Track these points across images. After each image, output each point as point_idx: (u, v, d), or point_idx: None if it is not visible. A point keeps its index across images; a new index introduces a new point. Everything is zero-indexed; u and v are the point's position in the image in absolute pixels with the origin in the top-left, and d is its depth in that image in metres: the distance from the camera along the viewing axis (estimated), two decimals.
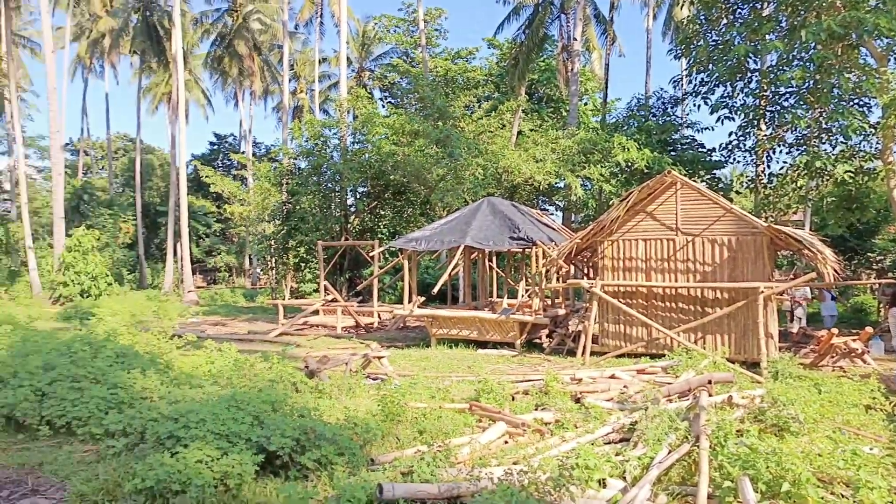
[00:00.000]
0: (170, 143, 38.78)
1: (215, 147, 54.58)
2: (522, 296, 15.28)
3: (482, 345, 13.34)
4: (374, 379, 9.28)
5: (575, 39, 25.75)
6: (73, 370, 6.66)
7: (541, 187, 23.86)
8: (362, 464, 4.98)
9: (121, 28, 39.29)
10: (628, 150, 20.61)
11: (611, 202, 19.79)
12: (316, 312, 18.15)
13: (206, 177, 27.17)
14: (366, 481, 4.29)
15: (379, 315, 18.35)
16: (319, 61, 43.94)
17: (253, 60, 43.12)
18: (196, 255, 43.92)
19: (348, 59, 37.44)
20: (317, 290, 22.67)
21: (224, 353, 8.58)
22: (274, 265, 28.28)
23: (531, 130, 26.79)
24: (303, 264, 26.00)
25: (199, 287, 37.44)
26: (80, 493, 4.37)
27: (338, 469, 4.72)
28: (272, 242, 26.59)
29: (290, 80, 42.04)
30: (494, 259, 18.40)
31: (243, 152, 47.06)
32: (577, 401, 7.16)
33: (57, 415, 6.12)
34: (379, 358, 9.81)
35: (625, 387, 7.75)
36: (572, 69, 25.86)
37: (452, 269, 16.00)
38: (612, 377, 8.68)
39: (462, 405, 6.94)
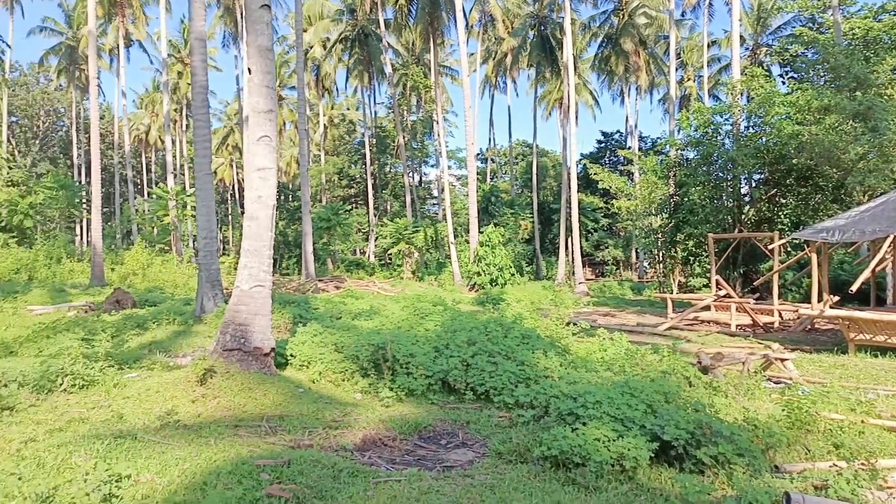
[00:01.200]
0: (561, 144, 41.65)
1: (602, 145, 56.44)
2: None
3: None
4: (775, 382, 8.49)
5: None
6: (489, 346, 7.77)
7: None
8: (764, 468, 4.65)
9: (520, 46, 43.76)
10: None
11: None
12: (707, 308, 17.31)
13: (594, 174, 28.33)
14: (770, 487, 4.01)
15: (780, 314, 16.55)
16: (708, 45, 41.70)
17: (639, 55, 43.27)
18: (585, 249, 46.16)
19: (741, 37, 34.56)
20: (707, 285, 21.58)
21: (615, 342, 8.90)
22: (661, 259, 27.93)
23: None
24: (691, 258, 25.06)
25: (588, 279, 39.33)
26: (498, 451, 5.11)
27: (737, 469, 4.50)
28: (659, 236, 26.30)
29: (676, 70, 40.87)
30: None
31: (629, 148, 47.62)
32: None
33: (478, 383, 7.22)
34: (782, 360, 8.92)
35: None
36: None
37: (876, 265, 13.49)
38: None
39: (894, 423, 5.87)
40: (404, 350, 7.53)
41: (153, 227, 40.10)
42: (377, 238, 43.64)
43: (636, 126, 49.39)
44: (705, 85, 42.78)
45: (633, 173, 40.31)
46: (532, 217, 44.64)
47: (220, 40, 49.41)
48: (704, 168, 22.61)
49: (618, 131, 56.30)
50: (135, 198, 52.69)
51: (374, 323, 10.77)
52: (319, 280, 25.20)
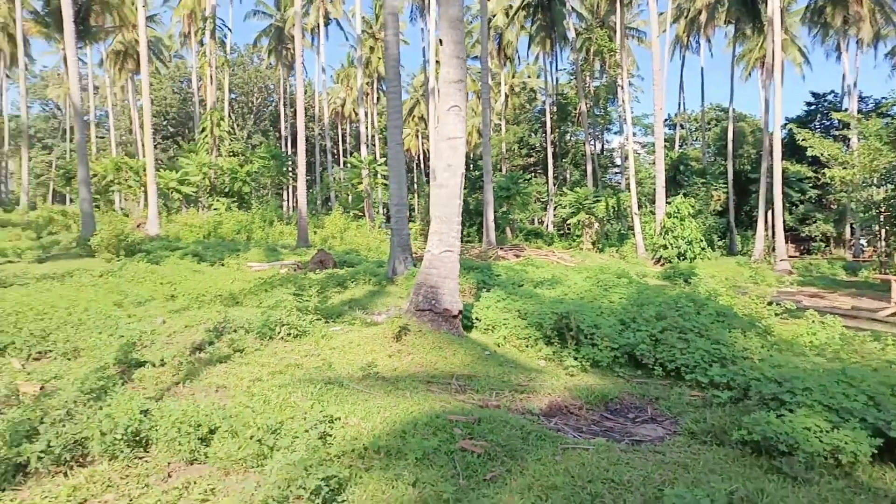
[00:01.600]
0: (762, 108, 37.81)
1: (812, 108, 50.33)
2: None
3: None
4: None
5: None
6: (680, 322, 7.41)
7: None
8: None
9: (716, 1, 40.20)
10: None
11: None
12: None
13: (802, 140, 25.41)
14: None
15: None
16: None
17: (861, 4, 37.65)
18: (788, 223, 41.86)
19: None
20: None
21: (827, 326, 8.04)
22: (884, 236, 24.53)
23: None
24: None
25: (791, 256, 35.71)
26: (691, 430, 4.90)
27: None
28: (882, 209, 23.07)
29: None
30: None
31: (846, 109, 41.96)
32: None
33: (668, 359, 6.95)
34: None
35: None
36: None
37: None
38: None
39: None
40: (589, 321, 7.45)
41: (348, 194, 43.29)
42: (556, 207, 43.23)
43: (855, 85, 43.15)
44: None
45: (849, 139, 35.56)
46: (726, 187, 41.36)
47: (407, 14, 51.30)
48: None
49: (832, 91, 49.63)
50: (332, 167, 57.18)
51: (557, 292, 10.75)
52: (500, 248, 25.64)
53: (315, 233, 27.63)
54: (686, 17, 45.30)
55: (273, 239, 26.47)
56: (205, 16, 42.78)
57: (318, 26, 47.77)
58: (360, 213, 37.06)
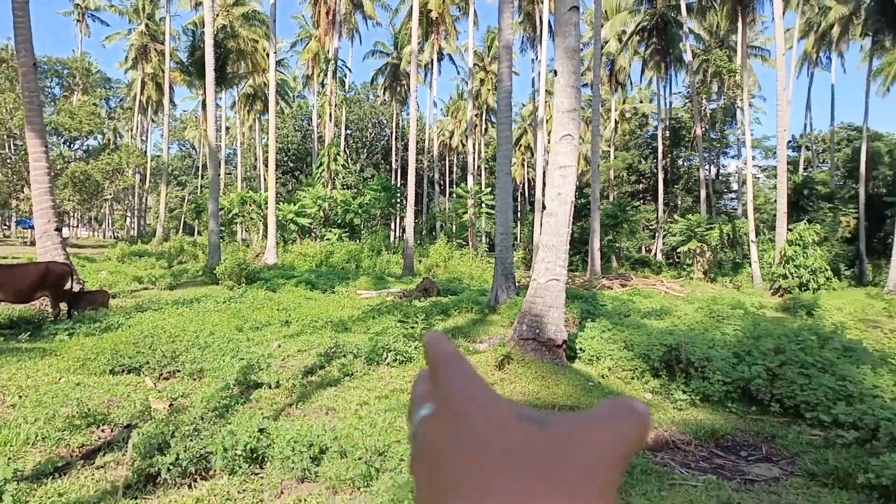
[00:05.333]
0: None
1: None
2: None
3: None
4: None
5: None
6: (801, 356, 6.92)
7: None
8: None
9: (850, 13, 37.80)
10: None
11: None
12: None
13: None
14: None
15: None
16: None
17: None
18: None
19: None
20: None
21: None
22: None
23: None
24: None
25: None
26: (810, 471, 4.56)
27: None
28: None
29: None
30: None
31: None
32: None
33: (786, 395, 6.50)
34: None
35: None
36: None
37: None
38: None
39: None
40: (699, 353, 7.13)
41: (453, 224, 43.97)
42: (665, 235, 41.68)
43: None
44: None
45: None
46: (856, 212, 38.18)
47: (518, 45, 51.96)
48: None
49: None
50: (438, 197, 58.41)
51: (665, 323, 10.36)
52: (605, 277, 25.04)
53: (420, 261, 28.24)
54: (816, 32, 42.88)
55: (380, 267, 27.32)
56: (327, 58, 45.51)
57: (432, 62, 49.39)
58: (464, 242, 37.51)
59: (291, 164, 68.82)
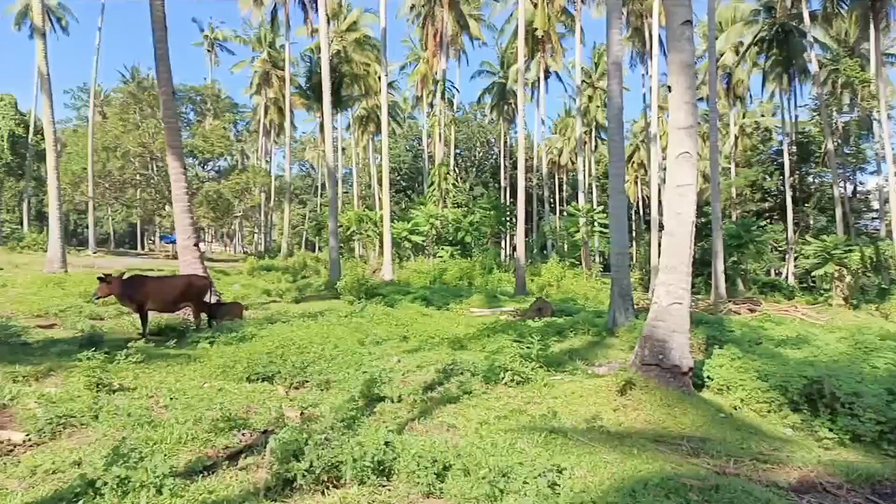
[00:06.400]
0: None
1: None
2: None
3: None
4: None
5: None
6: None
7: None
8: None
9: None
10: None
11: None
12: None
13: None
14: None
15: None
16: None
17: None
18: None
19: None
20: None
21: None
22: None
23: None
24: None
25: None
26: None
27: None
28: None
29: None
30: None
31: None
32: None
33: None
34: None
35: None
36: None
37: None
38: None
39: None
40: (846, 387, 6.56)
41: (564, 243, 43.38)
42: (797, 257, 38.83)
43: None
44: None
45: None
46: None
47: (627, 60, 50.82)
48: None
49: None
50: (548, 215, 57.90)
51: (804, 353, 9.63)
52: (731, 301, 23.72)
53: (532, 280, 28.04)
54: None
55: (492, 286, 27.39)
56: (435, 79, 46.68)
57: (539, 80, 49.37)
58: (576, 262, 36.85)
59: (404, 183, 70.80)
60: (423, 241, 37.18)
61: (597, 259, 43.69)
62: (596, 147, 62.71)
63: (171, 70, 15.46)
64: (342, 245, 37.24)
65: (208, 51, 64.68)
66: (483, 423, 6.12)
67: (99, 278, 11.00)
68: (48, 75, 23.51)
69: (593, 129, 60.69)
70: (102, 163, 41.46)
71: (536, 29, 42.39)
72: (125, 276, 11.28)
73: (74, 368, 7.34)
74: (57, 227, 22.63)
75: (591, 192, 59.90)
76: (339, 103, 44.89)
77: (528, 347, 8.77)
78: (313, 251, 56.17)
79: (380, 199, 47.23)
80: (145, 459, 4.53)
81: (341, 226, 37.09)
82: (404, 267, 31.46)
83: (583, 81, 49.02)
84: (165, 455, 4.89)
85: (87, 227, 48.87)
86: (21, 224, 54.68)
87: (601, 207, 38.07)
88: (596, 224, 36.94)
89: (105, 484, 4.08)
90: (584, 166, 46.96)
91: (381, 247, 30.15)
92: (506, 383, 7.76)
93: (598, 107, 55.66)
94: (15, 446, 5.19)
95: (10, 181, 57.90)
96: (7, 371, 7.45)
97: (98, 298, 11.10)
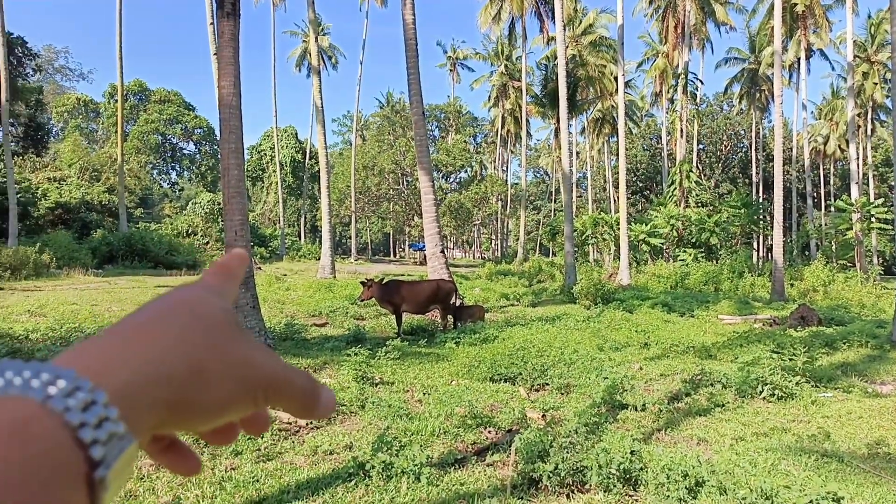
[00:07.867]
0: None
1: None
2: None
3: None
4: None
5: None
6: None
7: None
8: None
9: None
10: None
11: None
12: None
13: None
14: None
15: None
16: None
17: None
18: None
19: None
20: None
21: None
22: None
23: None
24: None
25: None
26: None
27: None
28: None
29: None
30: None
31: None
32: None
33: None
34: None
35: None
36: None
37: None
38: None
39: None
40: None
41: (832, 242, 38.10)
42: None
43: None
44: None
45: None
46: None
47: None
48: None
49: None
50: (811, 212, 51.32)
51: None
52: None
53: (791, 285, 25.10)
54: None
55: (743, 291, 25.08)
56: (676, 72, 44.26)
57: (798, 60, 44.15)
58: (849, 264, 32.08)
59: (640, 184, 68.16)
60: (663, 243, 35.36)
61: (875, 260, 37.54)
62: (873, 131, 54.03)
63: (422, 93, 16.86)
64: (577, 249, 37.05)
65: (450, 70, 69.03)
66: (739, 440, 5.66)
67: (361, 283, 12.39)
68: (322, 107, 27.21)
69: (870, 111, 52.36)
70: (362, 180, 46.54)
71: (796, 4, 38.00)
72: (384, 281, 12.51)
73: (344, 362, 8.34)
74: (328, 239, 26.00)
75: (867, 184, 51.69)
76: (573, 108, 44.83)
77: (790, 359, 7.91)
78: (547, 256, 56.73)
79: (615, 201, 46.07)
80: (405, 448, 4.98)
81: (576, 230, 36.91)
82: (642, 271, 30.23)
83: (855, 56, 42.64)
84: (422, 446, 5.33)
85: (349, 238, 55.31)
86: (299, 236, 63.81)
87: (880, 201, 32.67)
88: (874, 220, 31.79)
89: (373, 468, 4.58)
90: (858, 154, 40.72)
91: (618, 250, 29.38)
92: (764, 398, 7.07)
93: (875, 84, 47.89)
94: (300, 428, 6.06)
95: (291, 200, 67.92)
96: (293, 363, 8.74)
97: (361, 301, 12.47)
